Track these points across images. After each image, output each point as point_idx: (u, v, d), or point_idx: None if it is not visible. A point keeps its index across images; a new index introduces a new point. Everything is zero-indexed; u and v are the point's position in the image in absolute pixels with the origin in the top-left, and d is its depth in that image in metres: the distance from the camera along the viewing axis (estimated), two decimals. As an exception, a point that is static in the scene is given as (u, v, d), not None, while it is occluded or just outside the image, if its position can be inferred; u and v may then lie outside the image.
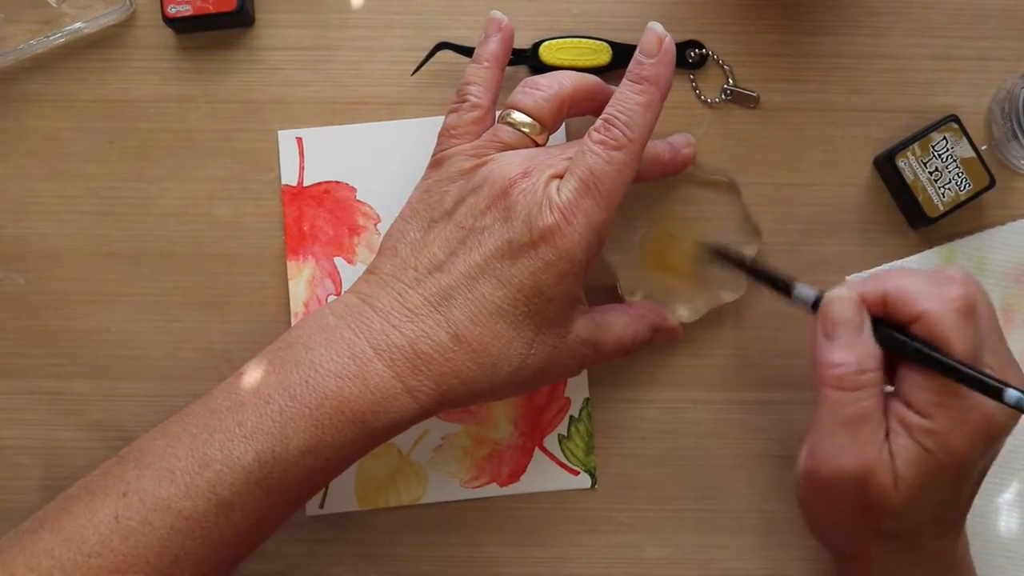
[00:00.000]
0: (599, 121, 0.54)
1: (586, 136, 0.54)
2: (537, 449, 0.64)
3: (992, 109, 0.64)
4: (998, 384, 0.48)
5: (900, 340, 0.51)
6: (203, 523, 0.50)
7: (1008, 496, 0.64)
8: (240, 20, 0.64)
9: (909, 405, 0.51)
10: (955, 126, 0.62)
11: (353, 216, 0.65)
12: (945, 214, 0.62)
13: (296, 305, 0.64)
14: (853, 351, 0.51)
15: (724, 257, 0.61)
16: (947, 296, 0.51)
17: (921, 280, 0.52)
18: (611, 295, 0.64)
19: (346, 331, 0.53)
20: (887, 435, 0.51)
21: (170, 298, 0.65)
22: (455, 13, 0.66)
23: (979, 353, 0.51)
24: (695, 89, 0.65)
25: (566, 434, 0.64)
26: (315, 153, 0.65)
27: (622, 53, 0.65)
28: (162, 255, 0.65)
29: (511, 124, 0.57)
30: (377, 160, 0.65)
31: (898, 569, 0.54)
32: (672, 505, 0.65)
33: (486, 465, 0.64)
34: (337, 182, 0.65)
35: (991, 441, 0.51)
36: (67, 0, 0.65)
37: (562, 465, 0.64)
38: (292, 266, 0.65)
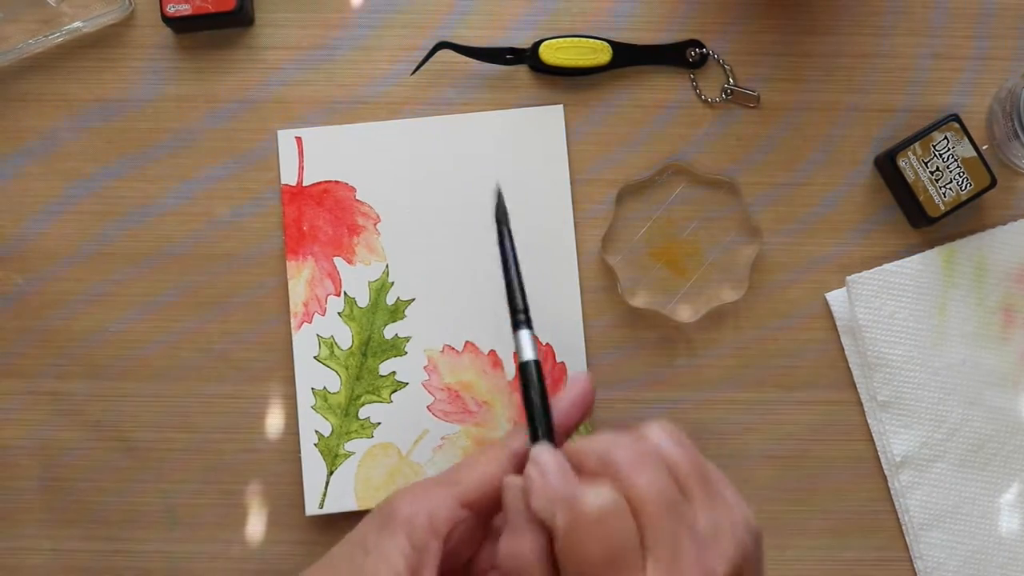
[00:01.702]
0: None
1: None
2: (537, 449, 0.64)
3: (993, 108, 0.64)
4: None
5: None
6: None
7: (1008, 496, 0.64)
8: (239, 19, 0.64)
9: None
10: (956, 125, 0.62)
11: (353, 216, 0.65)
12: (946, 214, 0.62)
13: (296, 305, 0.64)
14: (514, 541, 0.44)
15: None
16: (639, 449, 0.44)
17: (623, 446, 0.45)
18: (610, 296, 0.64)
19: None
20: None
21: (169, 298, 0.65)
22: (455, 13, 0.66)
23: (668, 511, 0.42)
24: (695, 88, 0.65)
25: (566, 434, 0.64)
26: (315, 153, 0.65)
27: (622, 53, 0.65)
28: (161, 255, 0.65)
29: None
30: (377, 160, 0.65)
31: None
32: (672, 505, 0.65)
33: (486, 465, 0.64)
34: (337, 182, 0.65)
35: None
36: (66, 0, 0.65)
37: (562, 465, 0.64)
38: (292, 266, 0.65)
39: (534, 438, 0.47)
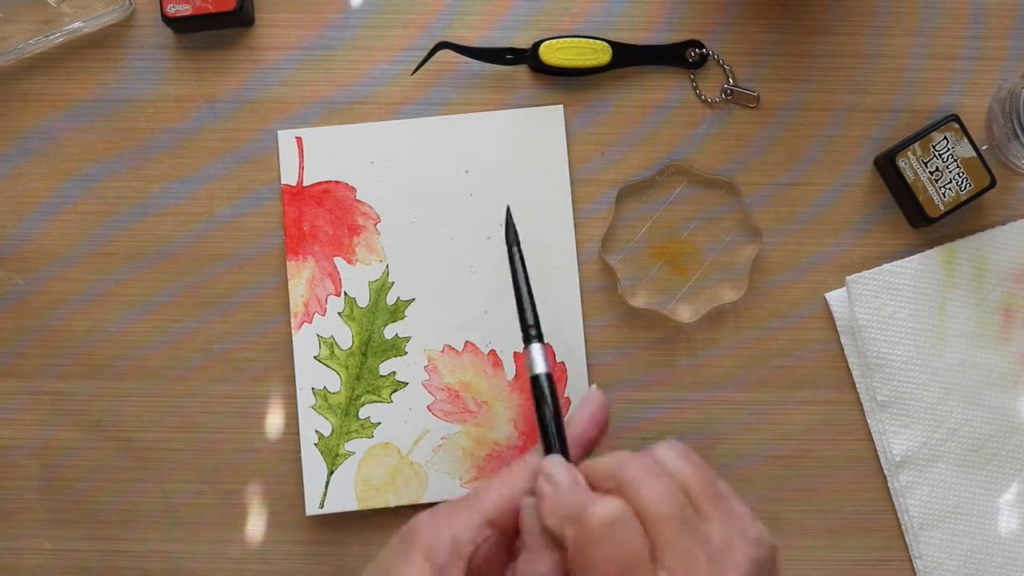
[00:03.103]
0: None
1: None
2: (537, 449, 0.64)
3: (993, 108, 0.64)
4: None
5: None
6: None
7: (1008, 496, 0.64)
8: (240, 20, 0.64)
9: None
10: (956, 126, 0.62)
11: (353, 216, 0.65)
12: (946, 214, 0.62)
13: (296, 305, 0.64)
14: (531, 561, 0.45)
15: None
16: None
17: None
18: (610, 296, 0.64)
19: None
20: None
21: (170, 298, 0.65)
22: (455, 13, 0.66)
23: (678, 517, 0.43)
24: (695, 89, 0.65)
25: (566, 434, 0.64)
26: (315, 153, 0.65)
27: (622, 53, 0.65)
28: (162, 255, 0.65)
29: None
30: (377, 160, 0.65)
31: None
32: (672, 505, 0.65)
33: (486, 465, 0.64)
34: (337, 182, 0.65)
35: None
36: (66, 0, 0.65)
37: (562, 465, 0.64)
38: (292, 266, 0.65)
39: (547, 451, 0.47)
